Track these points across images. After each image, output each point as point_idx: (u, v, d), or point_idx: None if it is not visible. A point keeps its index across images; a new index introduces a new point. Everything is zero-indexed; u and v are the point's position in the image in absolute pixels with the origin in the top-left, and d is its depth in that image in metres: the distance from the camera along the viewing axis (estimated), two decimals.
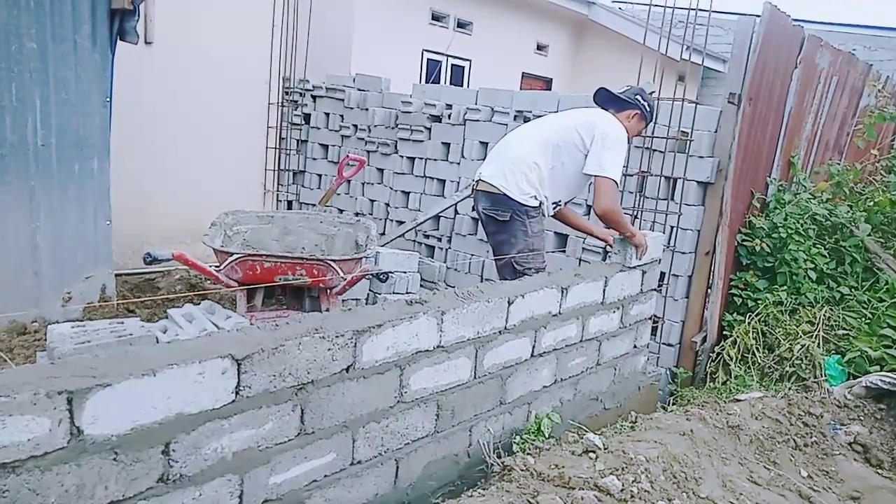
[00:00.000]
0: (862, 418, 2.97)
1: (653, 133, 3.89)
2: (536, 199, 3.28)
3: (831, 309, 3.94)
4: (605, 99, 3.47)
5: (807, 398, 3.07)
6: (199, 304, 3.50)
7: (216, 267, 3.46)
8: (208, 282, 4.47)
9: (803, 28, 4.22)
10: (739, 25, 3.80)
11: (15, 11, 3.47)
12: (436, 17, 8.11)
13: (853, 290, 4.09)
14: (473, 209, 3.64)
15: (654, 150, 3.93)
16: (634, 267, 2.92)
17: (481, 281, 4.90)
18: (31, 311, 3.76)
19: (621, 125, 3.32)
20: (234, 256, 3.39)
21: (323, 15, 6.10)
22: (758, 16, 3.74)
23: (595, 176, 3.18)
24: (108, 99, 3.96)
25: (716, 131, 3.83)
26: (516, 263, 3.27)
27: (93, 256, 4.03)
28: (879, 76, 5.84)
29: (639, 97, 3.45)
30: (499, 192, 3.27)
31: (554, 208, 3.48)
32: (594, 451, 2.27)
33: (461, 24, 8.44)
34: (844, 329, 3.79)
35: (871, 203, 4.72)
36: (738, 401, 3.02)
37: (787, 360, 3.71)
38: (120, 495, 1.39)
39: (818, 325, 3.80)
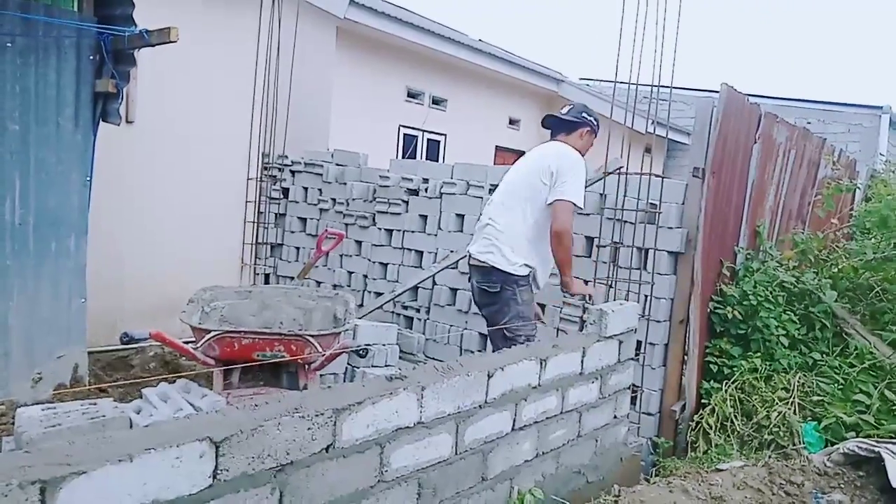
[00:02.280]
0: (842, 486, 2.97)
1: (623, 206, 4.01)
2: (526, 267, 3.47)
3: (805, 375, 3.99)
4: (556, 125, 3.72)
5: (787, 466, 3.07)
6: (174, 382, 3.44)
7: (193, 344, 3.43)
8: (183, 359, 4.40)
9: (759, 105, 4.47)
10: (699, 104, 4.02)
11: (0, 96, 3.54)
12: (411, 95, 8.40)
13: (825, 355, 4.17)
14: (469, 281, 3.82)
15: (626, 222, 4.05)
16: (611, 336, 2.96)
17: (460, 352, 4.89)
18: None
19: (573, 151, 3.56)
20: (212, 334, 3.36)
21: (302, 92, 6.29)
22: (717, 92, 3.96)
23: (555, 200, 3.41)
24: (89, 178, 4.00)
25: (683, 203, 3.97)
26: (507, 332, 3.38)
27: (65, 335, 3.96)
28: (833, 149, 6.14)
29: (584, 115, 3.70)
30: (488, 265, 3.47)
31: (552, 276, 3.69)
32: None
33: (436, 101, 8.75)
34: (819, 395, 3.84)
35: (836, 269, 4.87)
36: (720, 470, 3.01)
37: (766, 428, 3.72)
38: None
39: (793, 391, 3.84)
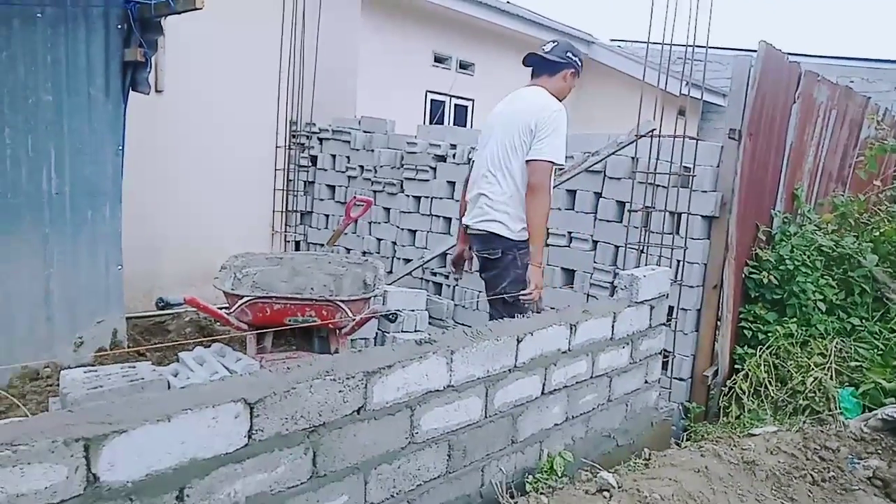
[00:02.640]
0: (880, 452, 2.93)
1: (656, 169, 3.93)
2: (517, 229, 3.30)
3: (842, 340, 3.92)
4: (538, 64, 3.45)
5: (822, 432, 3.03)
6: (209, 346, 3.52)
7: (226, 310, 3.49)
8: (218, 324, 4.49)
9: (799, 64, 4.30)
10: (736, 63, 3.88)
11: (33, 67, 3.60)
12: (438, 59, 8.29)
13: (864, 321, 4.08)
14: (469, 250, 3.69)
15: (658, 186, 3.97)
16: (642, 302, 2.93)
17: (489, 318, 4.90)
18: (44, 357, 3.79)
19: (553, 102, 3.27)
20: (245, 299, 3.41)
21: (328, 59, 6.25)
22: (755, 51, 3.82)
23: (531, 160, 3.19)
24: (121, 147, 4.06)
25: (718, 166, 3.87)
26: (508, 296, 3.28)
27: (104, 301, 4.07)
28: (878, 108, 5.90)
29: (569, 54, 3.43)
30: (486, 232, 3.35)
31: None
32: (608, 490, 2.25)
33: (463, 66, 8.62)
34: (857, 361, 3.76)
35: (877, 233, 4.72)
36: (753, 435, 2.98)
37: (801, 393, 3.67)
38: None
39: (830, 356, 3.77)
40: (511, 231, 3.30)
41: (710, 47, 3.69)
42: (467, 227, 3.49)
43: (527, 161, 3.22)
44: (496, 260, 3.37)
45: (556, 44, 3.48)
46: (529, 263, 3.27)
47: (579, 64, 3.47)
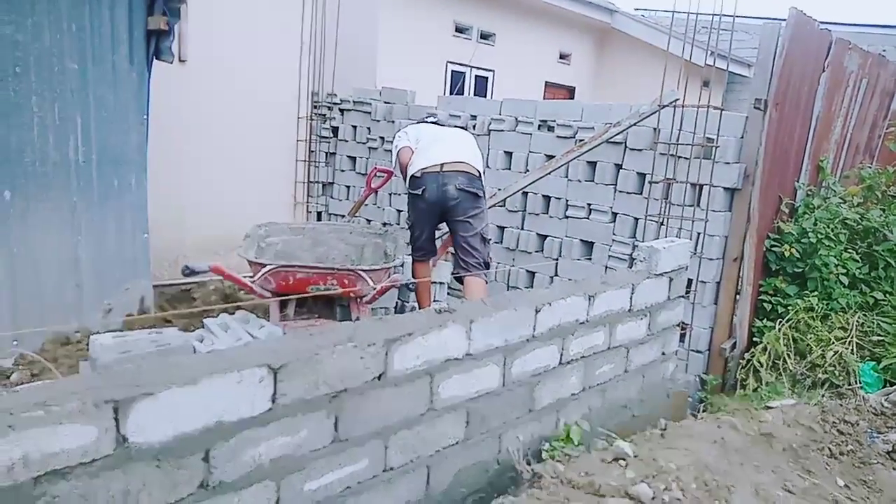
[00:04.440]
0: None
1: (678, 140, 3.88)
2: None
3: (864, 314, 3.88)
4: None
5: (841, 405, 3.02)
6: (233, 314, 3.58)
7: (250, 278, 3.55)
8: (242, 292, 4.56)
9: (830, 32, 4.18)
10: (764, 31, 3.79)
11: (58, 35, 3.62)
12: (459, 30, 8.18)
13: (887, 295, 4.02)
14: (436, 189, 3.80)
15: (680, 157, 3.92)
16: (661, 274, 2.92)
17: (507, 288, 4.92)
18: (74, 323, 3.89)
19: None
20: (268, 267, 3.47)
21: (349, 30, 6.21)
22: (783, 20, 3.72)
23: None
24: (146, 116, 4.09)
25: (742, 137, 3.81)
26: (483, 235, 3.81)
27: (131, 269, 4.15)
28: None
29: None
30: (475, 171, 3.82)
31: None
32: (624, 459, 2.27)
33: (484, 36, 8.50)
34: (879, 335, 3.73)
35: None
36: (770, 408, 2.98)
37: (820, 367, 3.66)
38: (163, 501, 1.43)
39: (851, 330, 3.74)
40: (482, 177, 3.91)
41: (737, 16, 3.61)
42: (446, 164, 3.79)
43: None
44: (480, 198, 3.81)
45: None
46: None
47: None
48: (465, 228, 3.77)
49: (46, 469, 1.25)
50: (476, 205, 3.78)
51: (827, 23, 4.99)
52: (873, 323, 3.82)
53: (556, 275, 4.68)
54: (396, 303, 4.66)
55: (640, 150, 4.17)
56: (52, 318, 3.79)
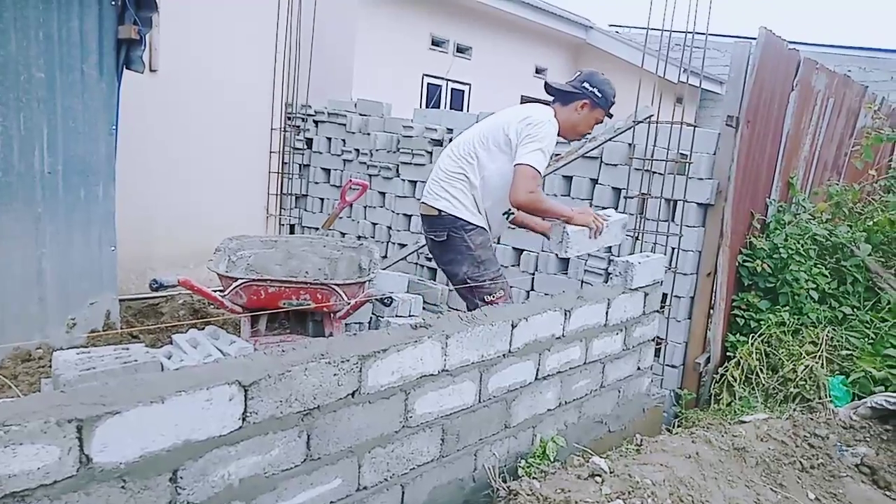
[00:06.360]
0: (868, 440, 2.96)
1: (652, 155, 3.92)
2: (468, 210, 3.16)
3: (834, 329, 3.94)
4: (555, 92, 3.27)
5: (812, 419, 3.05)
6: (203, 329, 3.51)
7: (221, 292, 3.48)
8: (212, 307, 4.48)
9: (799, 51, 4.28)
10: (736, 50, 3.86)
11: (24, 42, 3.54)
12: (436, 43, 8.22)
13: (855, 310, 4.10)
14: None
15: (654, 173, 3.97)
16: (636, 288, 2.94)
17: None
18: (36, 338, 3.78)
19: (552, 118, 3.10)
20: (239, 281, 3.40)
21: (325, 41, 6.19)
22: (754, 38, 3.80)
23: (515, 165, 2.98)
24: (115, 126, 4.01)
25: (714, 153, 3.87)
26: (471, 280, 3.14)
27: (97, 282, 4.05)
28: (875, 97, 5.90)
29: (586, 84, 3.15)
30: (435, 211, 3.18)
31: (507, 217, 3.34)
32: (600, 475, 2.26)
33: (461, 49, 8.56)
34: (848, 349, 3.79)
35: (871, 223, 4.74)
36: (743, 422, 3.01)
37: (791, 381, 3.70)
38: None
39: (821, 345, 3.80)
40: (455, 209, 3.13)
41: (710, 34, 3.67)
42: (421, 204, 3.31)
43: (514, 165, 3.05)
44: (443, 243, 3.18)
45: (578, 73, 3.28)
46: (480, 244, 3.12)
47: (597, 96, 3.16)
48: (450, 277, 3.31)
49: (4, 492, 1.20)
50: (441, 251, 3.23)
51: (795, 42, 5.12)
52: (842, 337, 3.88)
53: (533, 289, 4.68)
54: (371, 318, 4.62)
55: (615, 164, 4.21)
56: (13, 334, 3.67)
